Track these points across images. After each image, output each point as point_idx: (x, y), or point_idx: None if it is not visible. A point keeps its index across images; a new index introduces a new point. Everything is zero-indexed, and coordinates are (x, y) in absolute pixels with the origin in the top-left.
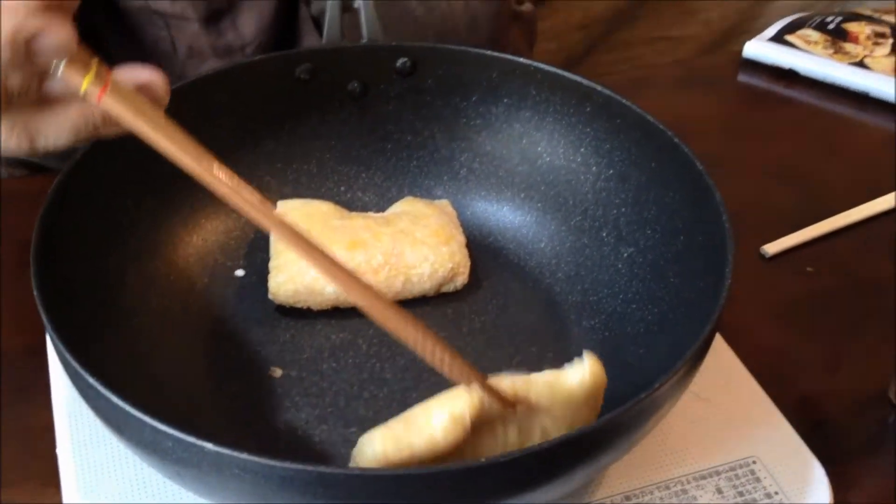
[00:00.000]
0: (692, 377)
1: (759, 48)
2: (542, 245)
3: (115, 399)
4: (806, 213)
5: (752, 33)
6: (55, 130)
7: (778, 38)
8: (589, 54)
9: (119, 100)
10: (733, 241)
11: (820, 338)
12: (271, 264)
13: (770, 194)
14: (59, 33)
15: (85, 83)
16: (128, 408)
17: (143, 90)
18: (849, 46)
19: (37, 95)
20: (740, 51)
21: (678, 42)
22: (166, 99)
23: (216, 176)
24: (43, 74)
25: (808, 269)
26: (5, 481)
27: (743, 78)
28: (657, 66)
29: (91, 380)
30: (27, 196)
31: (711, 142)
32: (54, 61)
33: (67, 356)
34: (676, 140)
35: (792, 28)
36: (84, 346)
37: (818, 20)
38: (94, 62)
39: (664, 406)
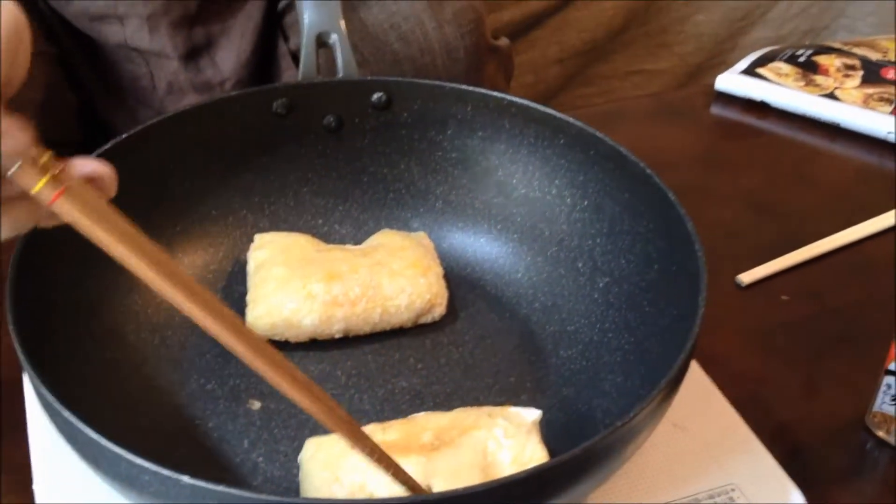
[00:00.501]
0: (668, 405)
1: (731, 81)
2: (519, 276)
3: (90, 433)
4: (779, 243)
5: (726, 66)
6: None
7: (750, 71)
8: (566, 88)
9: (76, 204)
10: (705, 270)
11: (796, 365)
12: (248, 297)
13: (744, 224)
14: (16, 138)
15: (39, 185)
16: (104, 441)
17: (91, 182)
18: (819, 79)
19: None
20: (713, 84)
21: (653, 75)
22: (113, 191)
23: (175, 284)
24: None
25: (783, 297)
26: None
27: (715, 110)
28: (630, 99)
29: (66, 413)
30: None
31: (685, 173)
32: (7, 165)
33: (43, 390)
34: (648, 171)
35: (763, 61)
36: (59, 379)
37: (789, 53)
38: (49, 160)
39: (641, 435)
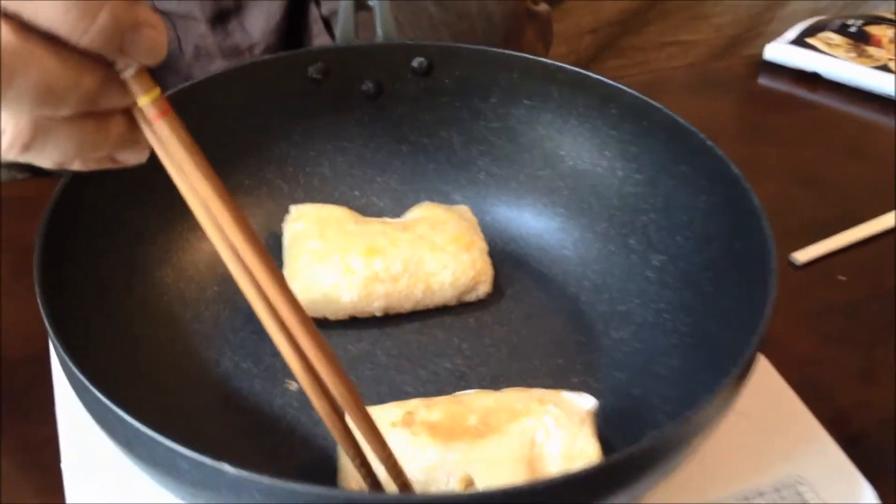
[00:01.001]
0: (739, 394)
1: (780, 51)
2: (567, 252)
3: (126, 416)
4: (833, 220)
5: (763, 38)
6: (65, 142)
7: (799, 41)
8: (598, 59)
9: (174, 128)
10: (775, 249)
11: (854, 348)
12: (284, 271)
13: (795, 200)
14: (159, 33)
15: (149, 97)
16: (140, 426)
17: None
18: (872, 50)
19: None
20: (755, 54)
21: (688, 47)
22: None
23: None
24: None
25: (840, 277)
26: (5, 496)
27: (763, 81)
28: (671, 69)
29: (100, 396)
30: (28, 200)
31: (732, 146)
32: (129, 66)
33: (75, 371)
34: (709, 143)
35: (813, 31)
36: (90, 359)
37: (839, 23)
38: (157, 88)
39: (709, 427)
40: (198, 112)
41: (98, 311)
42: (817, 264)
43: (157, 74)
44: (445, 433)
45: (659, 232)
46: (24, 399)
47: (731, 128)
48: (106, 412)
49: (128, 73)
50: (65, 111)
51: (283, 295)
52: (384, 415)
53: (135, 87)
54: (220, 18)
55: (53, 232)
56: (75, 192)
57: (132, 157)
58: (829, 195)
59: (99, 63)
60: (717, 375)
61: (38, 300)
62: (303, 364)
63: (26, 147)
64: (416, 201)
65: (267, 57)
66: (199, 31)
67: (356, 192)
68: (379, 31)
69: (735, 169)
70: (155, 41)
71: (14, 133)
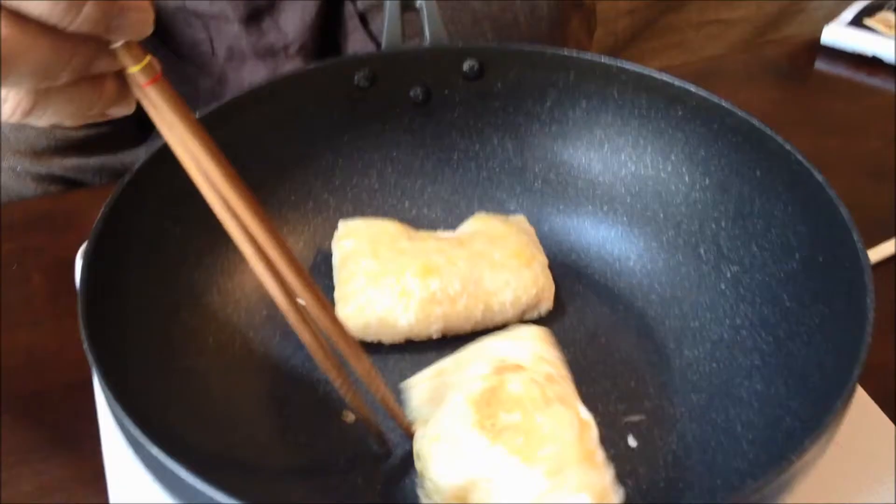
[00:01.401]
0: (838, 428)
1: (838, 33)
2: (631, 264)
3: (178, 469)
4: None
5: (805, 14)
6: (63, 105)
7: (857, 23)
8: (635, 40)
9: (164, 93)
10: (869, 263)
11: None
12: (336, 294)
13: (862, 194)
14: (144, 12)
15: (139, 66)
16: (193, 480)
17: None
18: None
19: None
20: (803, 35)
21: (728, 25)
22: None
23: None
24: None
25: None
26: None
27: (821, 66)
28: (723, 57)
29: (152, 448)
30: (61, 215)
31: (791, 137)
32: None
33: (123, 417)
34: (788, 147)
35: (870, 11)
36: (137, 396)
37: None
38: (147, 56)
39: (808, 470)
40: (240, 125)
41: (144, 342)
42: (891, 263)
43: (191, 76)
44: None
45: (731, 241)
46: (70, 430)
47: (790, 117)
48: (157, 463)
49: (117, 45)
50: (61, 82)
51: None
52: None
53: (125, 58)
54: (254, 17)
55: (97, 259)
56: (119, 217)
57: (121, 111)
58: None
59: (90, 39)
60: (805, 402)
61: (83, 335)
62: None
63: (27, 113)
64: (469, 211)
65: (310, 66)
66: (232, 32)
67: (406, 204)
68: (427, 33)
69: (819, 175)
70: (139, 21)
71: (16, 101)
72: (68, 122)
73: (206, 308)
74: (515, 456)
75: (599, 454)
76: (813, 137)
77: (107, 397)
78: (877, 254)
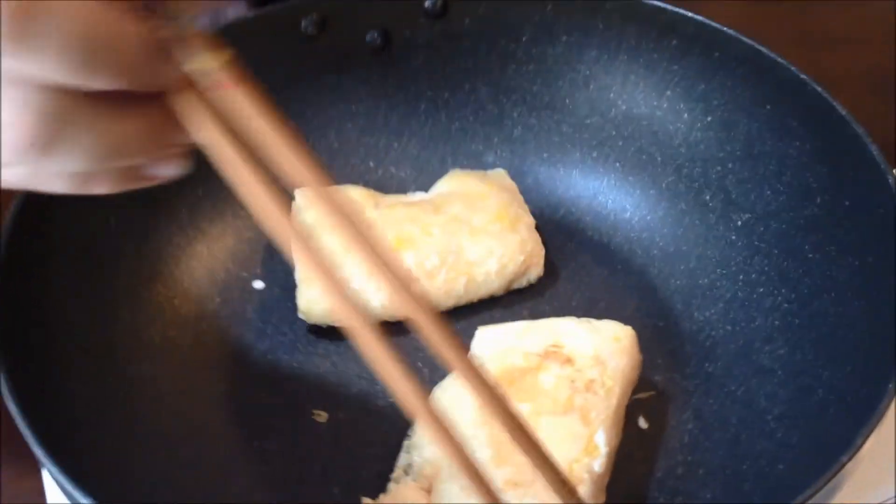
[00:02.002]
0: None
1: None
2: (628, 216)
3: None
4: None
5: None
6: (86, 136)
7: None
8: None
9: (249, 102)
10: None
11: None
12: (298, 275)
13: (868, 114)
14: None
15: (213, 61)
16: None
17: None
18: None
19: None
20: None
21: None
22: None
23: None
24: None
25: None
26: None
27: None
28: None
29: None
30: None
31: (786, 54)
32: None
33: (54, 471)
34: (804, 77)
35: None
36: (63, 420)
37: None
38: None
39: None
40: None
41: (77, 351)
42: None
43: None
44: None
45: (741, 185)
46: None
47: (780, 30)
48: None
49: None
50: (98, 80)
51: None
52: None
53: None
54: None
55: (14, 257)
56: (36, 208)
57: (170, 168)
58: None
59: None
60: (840, 371)
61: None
62: None
63: (40, 146)
64: (442, 169)
65: (251, 14)
66: None
67: (371, 164)
68: None
69: (841, 109)
70: None
71: (24, 125)
72: (99, 182)
73: (151, 303)
74: (488, 450)
75: (587, 488)
76: (808, 51)
77: (21, 428)
78: None
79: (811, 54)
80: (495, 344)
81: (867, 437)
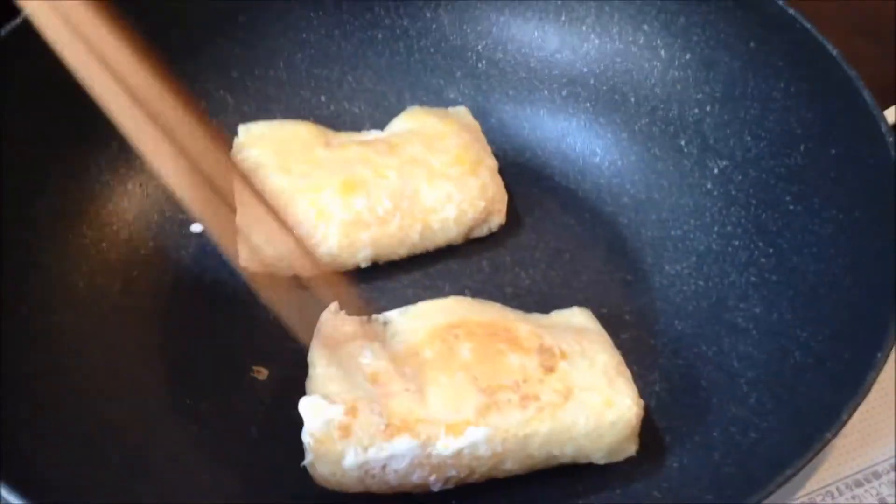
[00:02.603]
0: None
1: None
2: (598, 160)
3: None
4: None
5: None
6: None
7: None
8: None
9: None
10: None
11: None
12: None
13: (858, 58)
14: None
15: None
16: None
17: None
18: None
19: None
20: None
21: None
22: None
23: None
24: None
25: None
26: None
27: None
28: None
29: None
30: None
31: None
32: None
33: None
34: (791, 11)
35: None
36: None
37: None
38: None
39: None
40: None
41: None
42: None
43: None
44: None
45: (719, 129)
46: None
47: None
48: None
49: None
50: None
51: None
52: None
53: None
54: None
55: None
56: None
57: None
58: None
59: None
60: (819, 333)
61: None
62: None
63: None
64: (399, 105)
65: None
66: None
67: (322, 98)
68: None
69: (832, 48)
70: None
71: None
72: None
73: (75, 246)
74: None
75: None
76: None
77: None
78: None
79: None
80: None
81: (853, 410)
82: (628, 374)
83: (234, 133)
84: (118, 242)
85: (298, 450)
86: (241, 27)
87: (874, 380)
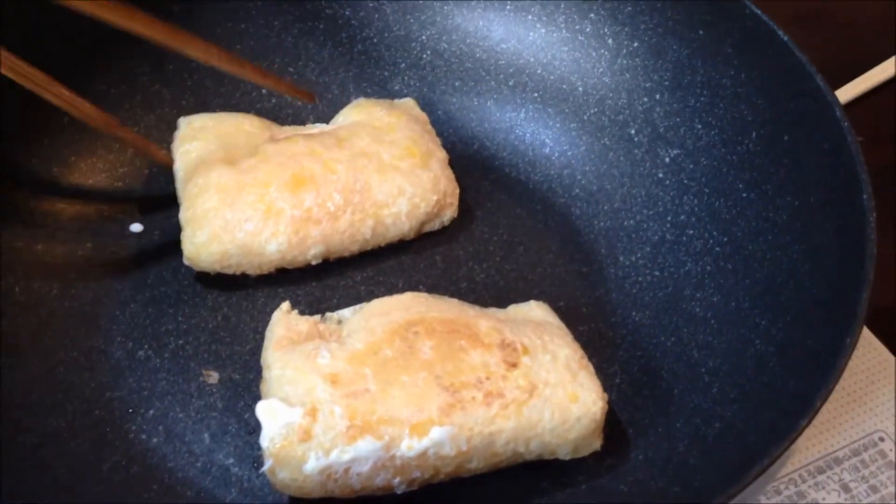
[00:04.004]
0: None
1: None
2: (547, 151)
3: None
4: (839, 65)
5: None
6: None
7: None
8: None
9: None
10: (857, 142)
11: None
12: (183, 215)
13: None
14: None
15: None
16: None
17: None
18: None
19: None
20: None
21: None
22: None
23: None
24: None
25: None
26: None
27: None
28: None
29: None
30: None
31: None
32: None
33: None
34: None
35: None
36: None
37: None
38: None
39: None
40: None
41: None
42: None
43: None
44: None
45: (669, 118)
46: None
47: None
48: None
49: None
50: None
51: None
52: None
53: None
54: None
55: None
56: None
57: None
58: (834, 36)
59: None
60: (778, 321)
61: None
62: None
63: None
64: (344, 97)
65: None
66: None
67: (263, 91)
68: None
69: (783, 34)
70: None
71: None
72: None
73: (8, 248)
74: None
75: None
76: None
77: None
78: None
79: None
80: None
81: (826, 396)
82: (591, 367)
83: (174, 127)
84: (54, 244)
85: (253, 456)
86: (175, 17)
87: (845, 365)
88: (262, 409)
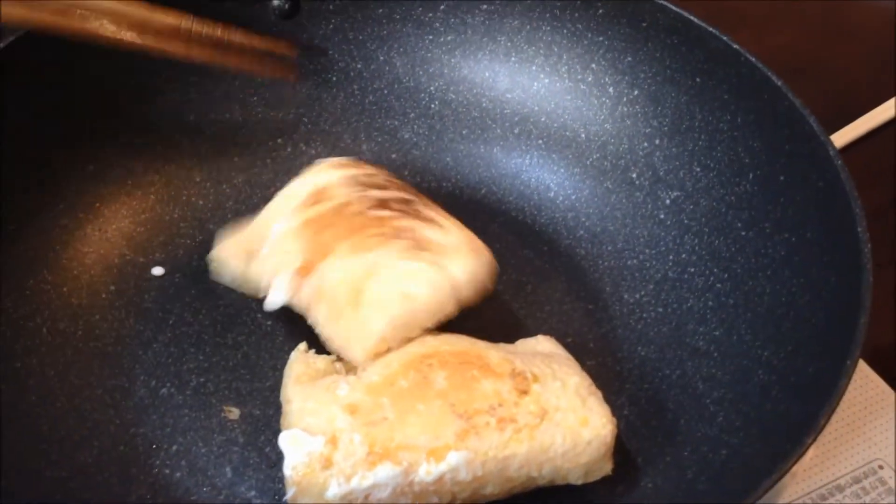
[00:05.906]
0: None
1: None
2: (552, 195)
3: None
4: (830, 115)
5: None
6: None
7: None
8: None
9: None
10: (852, 182)
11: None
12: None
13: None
14: None
15: None
16: None
17: None
18: None
19: None
20: None
21: None
22: None
23: None
24: None
25: None
26: None
27: None
28: None
29: None
30: None
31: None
32: None
33: None
34: (736, 46)
35: None
36: None
37: None
38: None
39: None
40: (54, 53)
41: None
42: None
43: None
44: None
45: (668, 162)
46: None
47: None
48: None
49: None
50: None
51: None
52: None
53: None
54: None
55: None
56: None
57: None
58: (816, 83)
59: None
60: (780, 352)
61: None
62: None
63: None
64: (354, 146)
65: None
66: None
67: (279, 141)
68: None
69: (776, 79)
70: None
71: None
72: None
73: (37, 291)
74: None
75: None
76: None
77: None
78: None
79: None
80: None
81: (829, 415)
82: (599, 394)
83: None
84: (79, 287)
85: (275, 489)
86: (194, 71)
87: (846, 385)
88: (285, 439)
